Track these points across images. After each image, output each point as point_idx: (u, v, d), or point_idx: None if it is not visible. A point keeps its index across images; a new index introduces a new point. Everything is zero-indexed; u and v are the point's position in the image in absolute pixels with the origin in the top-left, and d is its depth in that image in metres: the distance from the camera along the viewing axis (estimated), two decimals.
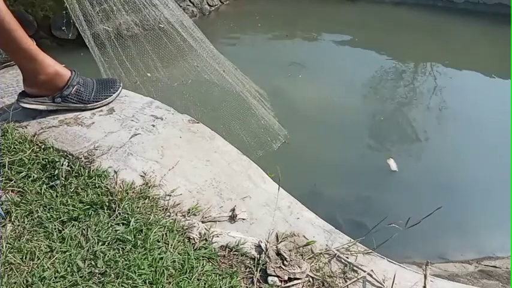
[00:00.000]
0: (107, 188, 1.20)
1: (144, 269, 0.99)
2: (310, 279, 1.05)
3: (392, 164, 2.12)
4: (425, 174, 2.22)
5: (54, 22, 3.49)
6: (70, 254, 1.02)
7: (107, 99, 1.56)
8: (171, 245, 1.07)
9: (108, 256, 1.02)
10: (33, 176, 1.22)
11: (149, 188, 1.24)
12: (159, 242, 1.07)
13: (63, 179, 1.22)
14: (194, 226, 1.13)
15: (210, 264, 1.05)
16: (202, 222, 1.16)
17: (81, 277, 0.97)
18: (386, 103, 2.91)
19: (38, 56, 1.39)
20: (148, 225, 1.10)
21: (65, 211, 1.12)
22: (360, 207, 1.95)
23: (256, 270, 1.05)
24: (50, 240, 1.05)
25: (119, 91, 1.60)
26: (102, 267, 0.99)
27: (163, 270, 1.00)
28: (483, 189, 2.14)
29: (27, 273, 0.98)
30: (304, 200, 1.31)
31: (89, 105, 1.53)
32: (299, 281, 1.03)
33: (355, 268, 1.09)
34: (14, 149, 1.31)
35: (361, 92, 2.97)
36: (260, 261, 1.06)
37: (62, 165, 1.25)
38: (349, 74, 3.15)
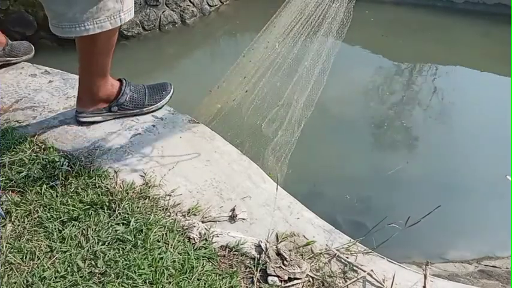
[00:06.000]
0: (107, 188, 1.21)
1: (144, 269, 0.99)
2: (310, 279, 1.05)
3: None
4: (425, 174, 2.21)
5: None
6: (70, 254, 1.02)
7: (161, 102, 1.57)
8: (171, 245, 1.07)
9: (108, 256, 1.02)
10: (33, 176, 1.22)
11: (149, 188, 1.24)
12: (159, 242, 1.07)
13: (63, 179, 1.22)
14: (194, 226, 1.13)
15: (210, 264, 1.05)
16: (202, 222, 1.16)
17: (81, 277, 0.97)
18: (386, 103, 2.91)
19: (108, 72, 1.41)
20: (149, 225, 1.10)
21: (65, 211, 1.12)
22: (360, 207, 1.95)
23: (256, 270, 1.05)
24: (50, 240, 1.06)
25: (170, 93, 1.61)
26: (102, 267, 1.00)
27: (163, 270, 1.00)
28: (483, 188, 2.14)
29: (27, 273, 0.98)
30: (304, 200, 1.31)
31: (144, 109, 1.54)
32: (299, 281, 1.03)
33: (355, 268, 1.09)
34: (14, 149, 1.31)
35: (361, 92, 2.97)
36: (260, 261, 1.06)
37: (62, 165, 1.26)
38: (350, 74, 3.15)
